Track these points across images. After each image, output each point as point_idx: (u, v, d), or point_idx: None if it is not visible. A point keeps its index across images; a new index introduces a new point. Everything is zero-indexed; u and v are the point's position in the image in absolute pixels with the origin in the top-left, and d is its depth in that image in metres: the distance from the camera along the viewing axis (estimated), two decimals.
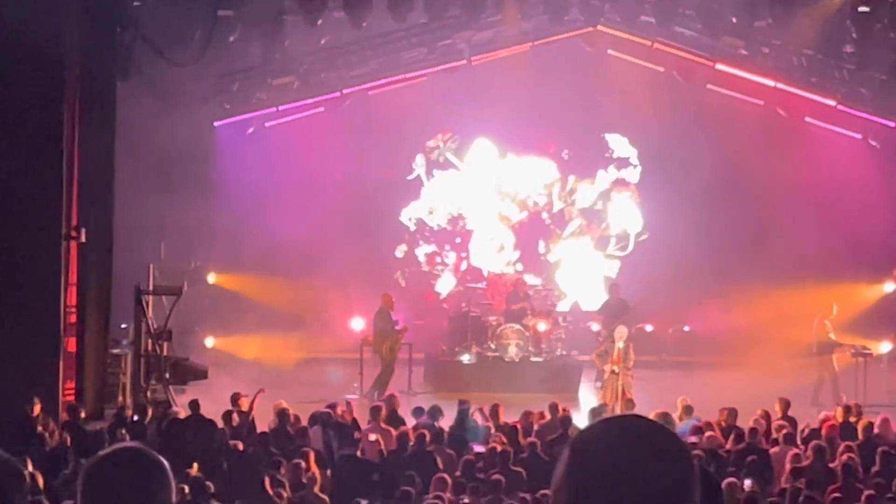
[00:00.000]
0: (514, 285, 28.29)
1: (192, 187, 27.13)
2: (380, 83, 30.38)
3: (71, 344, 22.12)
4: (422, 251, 29.33)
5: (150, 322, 23.46)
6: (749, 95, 30.81)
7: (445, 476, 15.35)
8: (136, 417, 19.82)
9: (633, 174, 29.14)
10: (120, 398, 23.22)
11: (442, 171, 29.46)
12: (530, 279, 28.82)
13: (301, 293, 29.30)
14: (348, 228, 29.73)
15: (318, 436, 17.98)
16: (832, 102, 30.00)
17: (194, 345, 27.92)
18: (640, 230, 29.07)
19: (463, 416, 19.26)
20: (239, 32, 26.10)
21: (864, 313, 28.80)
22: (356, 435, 18.45)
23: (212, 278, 29.57)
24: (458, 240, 29.53)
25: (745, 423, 18.73)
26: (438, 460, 16.83)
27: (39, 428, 17.85)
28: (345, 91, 30.23)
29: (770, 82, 30.24)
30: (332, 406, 19.45)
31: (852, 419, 18.86)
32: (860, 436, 18.12)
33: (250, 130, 30.41)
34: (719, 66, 30.40)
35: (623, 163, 29.23)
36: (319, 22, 26.27)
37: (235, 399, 19.44)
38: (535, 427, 19.09)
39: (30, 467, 13.94)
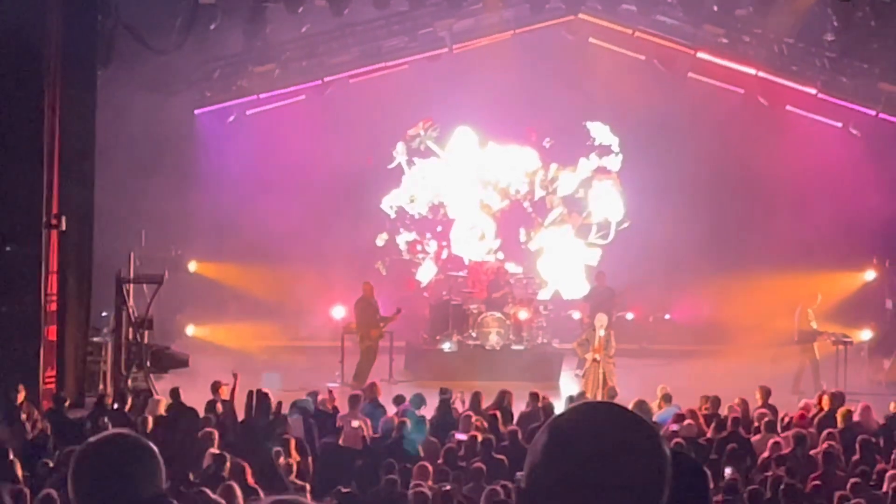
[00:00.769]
0: (496, 273, 28.27)
1: (173, 175, 27.11)
2: (361, 71, 30.34)
3: (51, 332, 22.06)
4: (403, 239, 29.25)
5: (130, 310, 23.41)
6: (730, 84, 30.86)
7: (427, 464, 15.35)
8: (116, 406, 19.80)
9: (614, 162, 29.09)
10: (101, 386, 23.21)
11: (423, 160, 29.37)
12: (511, 267, 28.78)
13: (281, 281, 29.30)
14: (329, 216, 29.71)
15: (299, 424, 17.95)
16: (813, 91, 30.06)
17: (175, 333, 27.93)
18: (621, 218, 29.03)
19: (445, 405, 19.24)
20: (220, 20, 26.05)
21: (845, 301, 28.91)
22: (338, 423, 18.42)
23: (192, 266, 29.54)
24: (439, 228, 29.45)
25: (725, 411, 18.84)
26: (420, 448, 16.82)
27: (23, 416, 17.78)
28: (326, 79, 30.21)
29: (751, 70, 30.30)
30: (314, 394, 19.46)
31: (841, 410, 18.79)
32: (840, 423, 18.18)
33: (231, 118, 30.35)
34: (700, 55, 30.44)
35: (605, 151, 29.16)
36: (301, 10, 26.27)
37: (216, 388, 19.40)
38: (511, 408, 19.15)
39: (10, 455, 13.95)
